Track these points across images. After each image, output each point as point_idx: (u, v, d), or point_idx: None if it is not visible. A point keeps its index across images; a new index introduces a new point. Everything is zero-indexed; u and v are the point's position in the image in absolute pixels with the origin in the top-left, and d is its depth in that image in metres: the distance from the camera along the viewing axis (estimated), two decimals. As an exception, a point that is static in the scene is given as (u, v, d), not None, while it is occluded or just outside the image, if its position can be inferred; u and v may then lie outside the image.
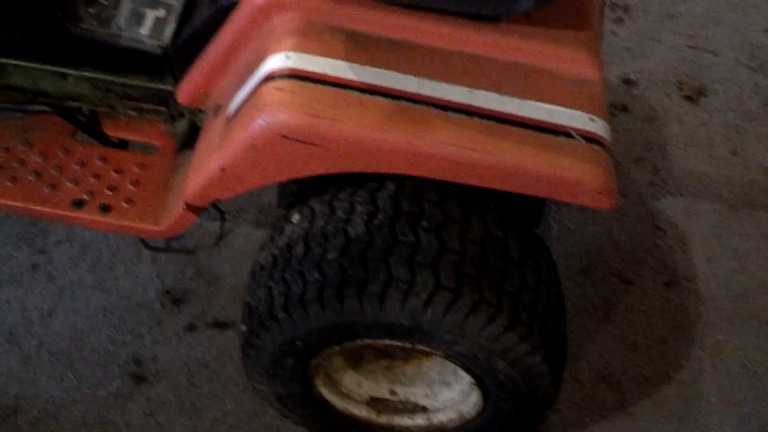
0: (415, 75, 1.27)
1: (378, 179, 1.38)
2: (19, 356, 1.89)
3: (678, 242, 2.15)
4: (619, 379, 1.93)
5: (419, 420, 1.66)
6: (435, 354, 1.42)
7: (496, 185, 1.27)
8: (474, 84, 1.27)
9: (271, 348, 1.43)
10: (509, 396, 1.46)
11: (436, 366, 1.65)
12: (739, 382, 1.94)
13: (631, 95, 2.43)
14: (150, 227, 1.54)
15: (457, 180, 1.27)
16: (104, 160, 1.63)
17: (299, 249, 1.37)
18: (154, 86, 1.57)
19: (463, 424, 1.62)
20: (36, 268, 2.01)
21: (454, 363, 1.42)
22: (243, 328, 1.47)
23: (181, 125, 1.63)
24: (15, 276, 2.00)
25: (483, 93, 1.27)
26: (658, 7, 2.64)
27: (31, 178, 1.59)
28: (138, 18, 1.54)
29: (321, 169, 1.29)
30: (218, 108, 1.44)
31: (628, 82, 2.45)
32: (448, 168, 1.25)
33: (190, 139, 1.60)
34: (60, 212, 1.56)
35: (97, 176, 1.60)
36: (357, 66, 1.26)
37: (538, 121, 1.26)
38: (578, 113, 1.27)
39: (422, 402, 1.66)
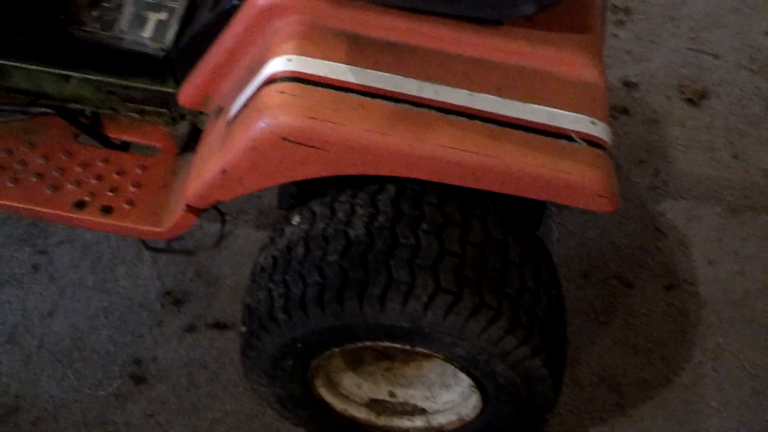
0: (416, 78, 1.27)
1: (378, 181, 1.38)
2: (20, 356, 1.89)
3: (679, 245, 2.15)
4: (619, 381, 1.93)
5: (418, 422, 1.66)
6: (435, 356, 1.42)
7: (497, 188, 1.27)
8: (475, 87, 1.28)
9: (271, 349, 1.43)
10: (509, 399, 1.46)
11: (435, 368, 1.65)
12: (739, 385, 1.94)
13: (632, 98, 2.43)
14: (151, 228, 1.55)
15: (458, 183, 1.28)
16: (106, 161, 1.63)
17: (299, 251, 1.37)
18: (156, 89, 1.58)
19: (462, 427, 1.62)
20: (37, 269, 2.01)
21: (454, 365, 1.42)
22: (243, 329, 1.47)
23: (183, 127, 1.63)
24: (16, 276, 2.00)
25: (484, 96, 1.27)
26: (659, 10, 2.64)
27: (33, 179, 1.60)
28: (140, 21, 1.54)
29: (322, 172, 1.30)
30: (220, 110, 1.44)
31: (629, 84, 2.46)
32: (449, 171, 1.25)
33: (191, 142, 1.61)
34: (61, 213, 1.56)
35: (98, 178, 1.61)
36: (358, 69, 1.26)
37: (539, 124, 1.26)
38: (579, 116, 1.27)
39: (421, 404, 1.66)
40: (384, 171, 1.28)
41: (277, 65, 1.27)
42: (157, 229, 1.54)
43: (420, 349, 1.40)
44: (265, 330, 1.40)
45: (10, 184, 1.59)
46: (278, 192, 1.62)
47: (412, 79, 1.27)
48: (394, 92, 1.25)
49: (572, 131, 1.26)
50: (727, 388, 1.93)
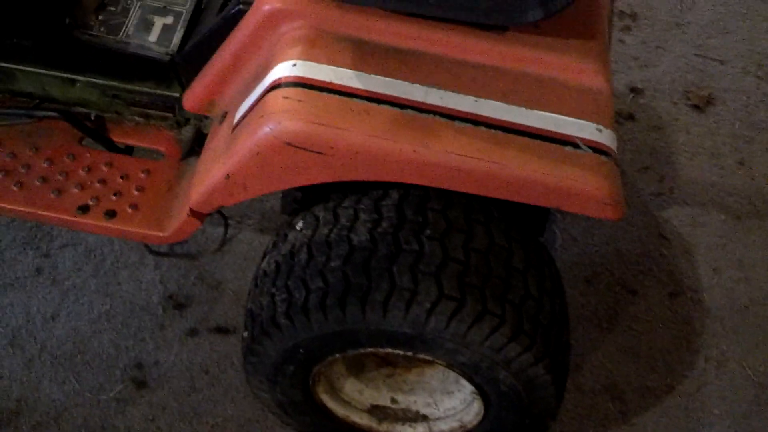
0: (421, 84, 1.27)
1: (382, 187, 1.38)
2: (22, 359, 1.89)
3: (683, 252, 2.14)
4: (622, 389, 1.92)
5: (420, 428, 1.65)
6: (437, 363, 1.42)
7: (502, 195, 1.27)
8: (481, 93, 1.27)
9: (273, 355, 1.43)
10: (511, 406, 1.46)
11: (437, 374, 1.64)
12: (742, 393, 1.93)
13: (637, 104, 2.43)
14: (154, 233, 1.55)
15: (463, 190, 1.27)
16: (110, 165, 1.63)
17: (302, 256, 1.37)
18: (161, 93, 1.58)
19: (464, 434, 1.62)
20: (40, 272, 2.01)
21: (456, 372, 1.42)
22: (245, 334, 1.47)
23: (187, 132, 1.63)
24: (19, 280, 2.00)
25: (490, 102, 1.27)
26: (665, 16, 2.63)
27: (37, 183, 1.60)
28: (146, 25, 1.54)
29: (326, 178, 1.29)
30: (224, 115, 1.44)
31: (634, 90, 2.45)
32: (454, 178, 1.25)
33: (195, 146, 1.61)
34: (65, 217, 1.56)
35: (102, 182, 1.61)
36: (363, 75, 1.26)
37: (545, 130, 1.25)
38: (585, 123, 1.27)
39: (423, 410, 1.65)
40: (388, 177, 1.27)
41: (282, 70, 1.27)
42: (161, 234, 1.54)
43: (422, 356, 1.40)
44: (267, 335, 1.40)
45: (15, 188, 1.59)
46: (282, 197, 1.61)
47: (417, 85, 1.27)
48: (400, 98, 1.25)
49: (578, 138, 1.25)
50: (731, 396, 1.92)
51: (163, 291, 2.00)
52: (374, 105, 1.24)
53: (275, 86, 1.26)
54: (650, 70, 2.50)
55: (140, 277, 2.02)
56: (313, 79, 1.25)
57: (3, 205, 1.58)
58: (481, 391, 1.46)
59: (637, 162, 2.30)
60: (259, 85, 1.31)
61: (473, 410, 1.56)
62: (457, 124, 1.24)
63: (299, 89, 1.24)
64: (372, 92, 1.25)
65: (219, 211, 1.50)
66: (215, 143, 1.42)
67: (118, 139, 1.67)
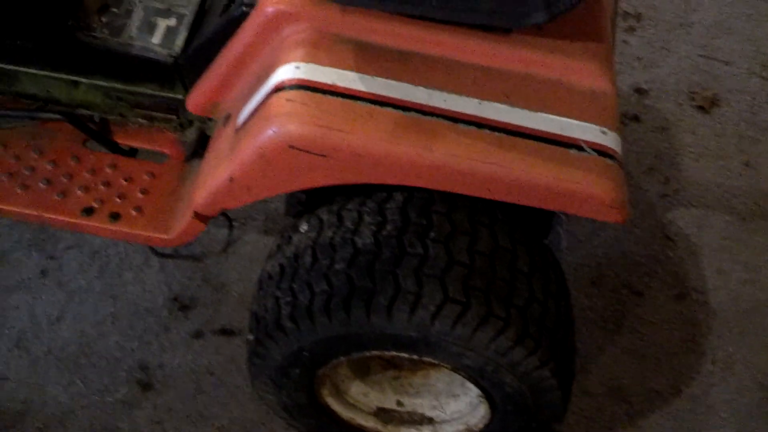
0: (425, 86, 1.26)
1: (386, 190, 1.38)
2: (28, 362, 1.89)
3: (689, 254, 2.13)
4: (628, 391, 1.91)
5: (426, 431, 1.65)
6: (442, 366, 1.41)
7: (506, 198, 1.26)
8: (484, 95, 1.27)
9: (278, 358, 1.43)
10: (517, 409, 1.45)
11: (443, 377, 1.64)
12: (750, 396, 1.92)
13: (642, 105, 2.42)
14: (159, 235, 1.55)
15: (467, 193, 1.27)
16: (114, 168, 1.63)
17: (307, 259, 1.37)
18: (165, 95, 1.58)
19: (470, 437, 1.61)
20: (45, 274, 2.02)
21: (462, 375, 1.41)
22: (249, 337, 1.46)
23: (191, 134, 1.63)
24: (24, 282, 2.00)
25: (493, 105, 1.26)
26: (670, 16, 2.62)
27: (41, 185, 1.60)
28: (150, 27, 1.54)
29: (330, 180, 1.29)
30: (228, 117, 1.44)
31: (639, 91, 2.44)
32: (458, 180, 1.24)
33: (199, 148, 1.61)
34: (70, 220, 1.56)
35: (106, 184, 1.61)
36: (367, 77, 1.26)
37: (549, 133, 1.25)
38: (590, 126, 1.26)
39: (429, 413, 1.65)
40: (392, 180, 1.27)
41: (285, 73, 1.27)
42: (165, 236, 1.54)
43: (427, 359, 1.39)
44: (271, 338, 1.40)
45: (19, 190, 1.59)
46: (286, 198, 1.61)
47: (421, 87, 1.26)
48: (403, 100, 1.25)
49: (582, 141, 1.25)
50: (737, 399, 1.91)
51: (168, 293, 2.00)
52: (377, 108, 1.24)
53: (278, 89, 1.26)
54: (655, 70, 2.49)
55: (145, 278, 2.02)
56: (316, 82, 1.24)
57: (7, 207, 1.58)
58: (486, 395, 1.46)
59: (642, 163, 2.29)
60: (263, 87, 1.31)
61: (479, 413, 1.56)
62: (460, 126, 1.24)
63: (302, 92, 1.24)
64: (375, 95, 1.24)
65: (224, 213, 1.49)
66: (219, 146, 1.42)
67: (122, 141, 1.67)
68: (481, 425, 1.57)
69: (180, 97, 1.57)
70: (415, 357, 1.40)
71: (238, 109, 1.39)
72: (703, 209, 2.21)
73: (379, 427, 1.65)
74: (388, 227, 1.33)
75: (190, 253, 2.06)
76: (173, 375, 1.89)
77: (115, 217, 1.57)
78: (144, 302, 1.99)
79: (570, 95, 1.28)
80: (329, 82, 1.25)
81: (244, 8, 1.36)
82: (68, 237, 2.07)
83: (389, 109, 1.24)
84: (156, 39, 1.53)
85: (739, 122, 2.38)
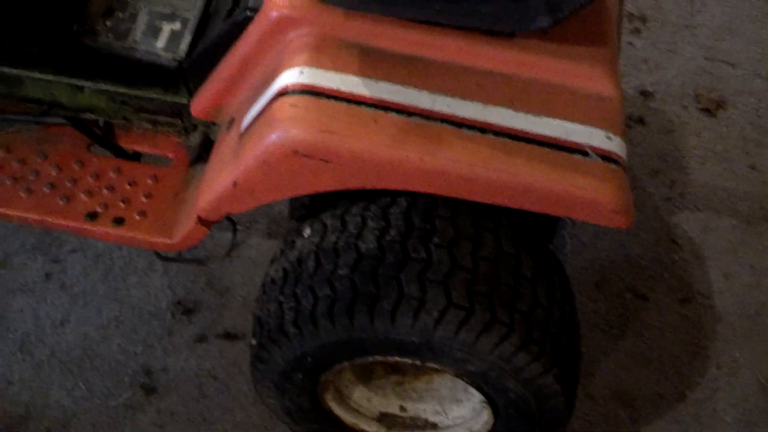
0: (429, 91, 1.26)
1: (390, 194, 1.37)
2: (31, 365, 1.90)
3: (694, 257, 2.12)
4: (632, 396, 1.91)
5: (429, 436, 1.65)
6: (445, 371, 1.41)
7: (510, 203, 1.26)
8: (488, 100, 1.26)
9: (281, 363, 1.43)
10: (521, 415, 1.45)
11: (446, 383, 1.63)
12: (755, 400, 1.91)
13: (647, 107, 2.41)
14: (162, 240, 1.55)
15: (471, 198, 1.26)
16: (118, 172, 1.63)
17: (310, 264, 1.36)
18: (169, 99, 1.58)
19: (473, 442, 1.61)
20: (49, 278, 2.02)
21: (465, 381, 1.41)
22: (253, 341, 1.46)
23: (195, 138, 1.63)
24: (29, 285, 2.01)
25: (497, 109, 1.26)
26: (675, 18, 2.61)
27: (45, 189, 1.60)
28: (154, 31, 1.54)
29: (333, 185, 1.29)
30: (232, 122, 1.44)
31: (644, 94, 2.43)
32: (462, 186, 1.24)
33: (203, 152, 1.60)
34: (74, 225, 1.57)
35: (110, 188, 1.61)
36: (370, 81, 1.25)
37: (553, 138, 1.24)
38: (594, 130, 1.26)
39: (432, 419, 1.65)
40: (396, 185, 1.27)
41: (289, 77, 1.27)
42: (169, 241, 1.54)
43: (430, 365, 1.39)
44: (274, 343, 1.39)
45: (23, 195, 1.60)
46: (290, 202, 1.61)
47: (424, 92, 1.26)
48: (407, 105, 1.24)
49: (587, 146, 1.24)
50: (743, 403, 1.90)
51: (171, 296, 2.00)
52: (381, 112, 1.23)
53: (282, 93, 1.26)
54: (660, 73, 2.48)
55: (149, 282, 2.02)
56: (320, 87, 1.24)
57: (12, 211, 1.58)
58: (490, 400, 1.46)
59: (647, 166, 2.28)
60: (267, 92, 1.31)
61: (482, 419, 1.55)
62: (464, 131, 1.23)
63: (306, 97, 1.23)
64: (379, 99, 1.24)
65: (228, 217, 1.49)
66: (222, 150, 1.42)
67: (126, 145, 1.67)
68: (484, 431, 1.57)
69: (184, 101, 1.57)
70: (418, 362, 1.39)
71: (242, 114, 1.39)
72: (708, 212, 2.20)
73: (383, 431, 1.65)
74: (392, 232, 1.33)
75: (194, 256, 2.06)
76: (176, 379, 1.89)
77: (119, 221, 1.57)
78: (148, 306, 1.99)
79: (574, 99, 1.28)
80: (333, 86, 1.24)
81: (248, 13, 1.36)
82: (72, 240, 2.07)
83: (393, 114, 1.23)
84: (160, 43, 1.53)
85: (745, 125, 2.37)
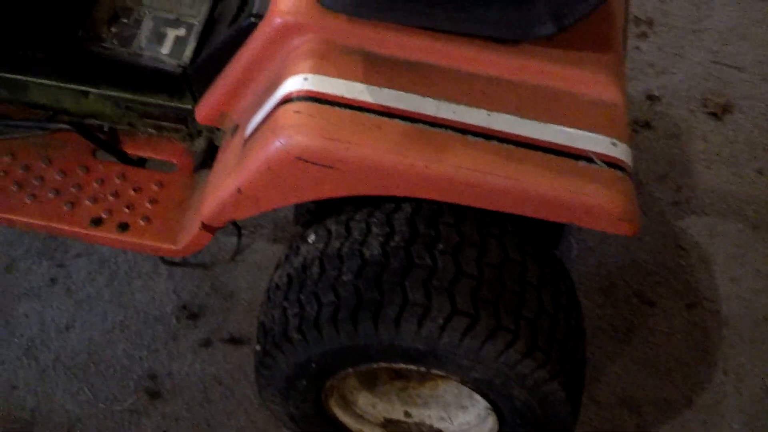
0: (433, 97, 1.26)
1: (395, 201, 1.37)
2: (36, 370, 1.90)
3: (701, 262, 2.11)
4: (639, 401, 1.90)
5: (434, 442, 1.64)
6: (450, 378, 1.40)
7: (515, 210, 1.25)
8: (493, 107, 1.26)
9: (285, 368, 1.42)
10: (526, 422, 1.44)
11: (451, 389, 1.63)
12: (762, 406, 1.90)
13: (654, 111, 2.40)
14: (167, 246, 1.55)
15: (476, 205, 1.26)
16: (123, 178, 1.63)
17: (314, 270, 1.36)
18: (174, 105, 1.58)
19: (478, 448, 1.60)
20: (54, 282, 2.02)
21: (470, 388, 1.40)
22: (257, 347, 1.46)
23: (200, 144, 1.63)
24: (34, 290, 2.01)
25: (502, 116, 1.25)
26: (682, 22, 2.60)
27: (50, 195, 1.60)
28: (159, 37, 1.54)
29: (338, 192, 1.29)
30: (236, 128, 1.44)
31: (651, 98, 2.42)
32: (467, 192, 1.23)
33: (208, 158, 1.61)
34: (78, 230, 1.57)
35: (115, 194, 1.61)
36: (375, 88, 1.25)
37: (559, 145, 1.24)
38: (600, 137, 1.25)
39: (437, 425, 1.64)
40: (400, 192, 1.26)
41: (293, 84, 1.27)
42: (173, 247, 1.54)
43: (435, 371, 1.38)
44: (279, 349, 1.39)
45: (28, 200, 1.60)
46: (295, 207, 1.61)
47: (429, 99, 1.25)
48: (411, 112, 1.24)
49: (592, 153, 1.23)
50: (750, 409, 1.89)
51: (176, 301, 2.00)
52: (386, 119, 1.23)
53: (286, 100, 1.26)
54: (667, 77, 2.47)
55: (154, 287, 2.02)
56: (324, 94, 1.24)
57: (17, 217, 1.59)
58: (495, 407, 1.45)
59: (653, 171, 2.27)
60: (271, 98, 1.31)
61: (488, 426, 1.55)
62: (469, 138, 1.23)
63: (311, 103, 1.23)
64: (384, 106, 1.24)
65: (233, 222, 1.49)
66: (227, 156, 1.42)
67: (131, 151, 1.67)
68: (489, 437, 1.56)
69: (189, 107, 1.57)
70: (423, 369, 1.39)
71: (247, 120, 1.39)
72: (715, 217, 2.19)
73: (387, 438, 1.65)
74: (396, 238, 1.33)
75: (199, 261, 2.06)
76: (181, 383, 1.89)
77: (123, 227, 1.57)
78: (152, 310, 1.99)
79: (580, 106, 1.27)
80: (337, 93, 1.24)
81: (252, 19, 1.36)
82: (77, 245, 2.08)
83: (397, 121, 1.23)
84: (165, 49, 1.53)
85: (752, 129, 2.36)
